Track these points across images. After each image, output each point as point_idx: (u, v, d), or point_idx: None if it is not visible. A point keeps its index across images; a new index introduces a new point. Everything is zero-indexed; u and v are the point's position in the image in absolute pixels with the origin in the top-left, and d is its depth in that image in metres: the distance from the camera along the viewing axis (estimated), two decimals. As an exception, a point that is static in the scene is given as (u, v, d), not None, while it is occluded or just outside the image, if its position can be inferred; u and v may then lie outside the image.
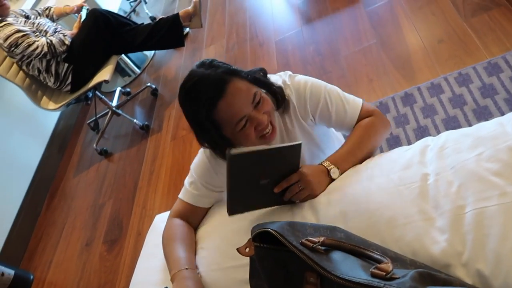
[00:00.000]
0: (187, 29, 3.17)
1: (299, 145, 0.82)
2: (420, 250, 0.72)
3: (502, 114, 1.42)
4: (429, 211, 0.76)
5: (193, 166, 1.08)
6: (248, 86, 0.88)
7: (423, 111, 1.76)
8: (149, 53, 3.39)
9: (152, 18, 3.60)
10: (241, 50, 2.77)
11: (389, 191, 0.82)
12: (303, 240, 0.63)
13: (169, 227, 1.05)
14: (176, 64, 3.10)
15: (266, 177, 0.85)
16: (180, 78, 2.94)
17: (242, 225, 0.92)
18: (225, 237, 0.95)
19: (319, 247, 0.63)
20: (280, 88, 0.98)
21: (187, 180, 1.08)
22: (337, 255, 0.63)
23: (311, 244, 0.62)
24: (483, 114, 1.59)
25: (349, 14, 2.43)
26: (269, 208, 0.93)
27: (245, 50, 2.75)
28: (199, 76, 0.87)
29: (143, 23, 2.66)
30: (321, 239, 0.64)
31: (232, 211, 0.86)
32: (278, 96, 0.97)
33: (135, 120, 2.77)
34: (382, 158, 0.92)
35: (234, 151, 0.76)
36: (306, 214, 0.87)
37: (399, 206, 0.79)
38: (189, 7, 2.58)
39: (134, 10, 4.05)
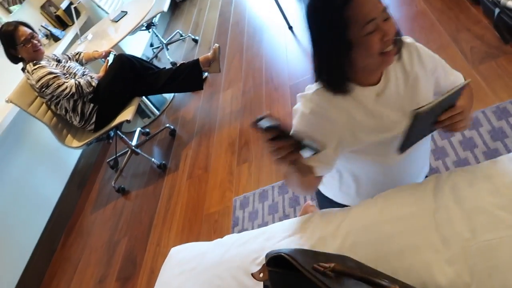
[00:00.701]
0: (206, 74, 3.34)
1: (468, 83, 0.89)
2: (429, 281, 0.75)
3: (512, 156, 1.45)
4: (438, 243, 0.79)
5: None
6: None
7: (434, 153, 1.80)
8: (169, 96, 3.55)
9: (173, 64, 3.81)
10: (257, 94, 2.89)
11: (399, 224, 0.86)
12: (314, 265, 0.66)
13: None
14: (194, 106, 3.23)
15: (435, 116, 0.90)
16: (198, 119, 3.06)
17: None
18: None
19: (330, 272, 0.66)
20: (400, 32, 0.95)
21: None
22: (347, 281, 0.66)
23: (322, 269, 0.65)
24: (493, 157, 1.61)
25: (361, 60, 2.54)
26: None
27: (260, 93, 2.87)
28: None
29: (165, 68, 2.82)
30: (332, 265, 0.67)
31: (402, 150, 0.92)
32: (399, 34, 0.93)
33: (153, 159, 2.86)
34: (391, 193, 0.96)
35: (420, 109, 0.81)
36: (316, 245, 0.90)
37: (409, 238, 0.82)
38: (209, 53, 2.74)
39: (156, 56, 4.29)
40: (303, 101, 1.00)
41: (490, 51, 2.04)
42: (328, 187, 1.24)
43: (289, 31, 3.30)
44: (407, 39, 1.01)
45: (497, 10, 1.93)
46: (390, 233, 0.84)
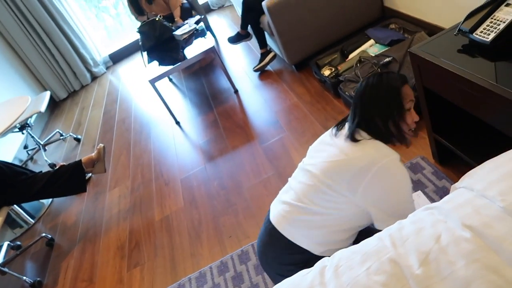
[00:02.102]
0: (90, 174, 3.13)
1: None
2: None
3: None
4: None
5: (404, 188, 1.25)
6: None
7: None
8: (46, 201, 3.20)
9: (52, 165, 3.51)
10: (147, 190, 2.78)
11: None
12: None
13: None
14: (77, 209, 2.95)
15: None
16: (82, 224, 2.77)
17: None
18: None
19: None
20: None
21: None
22: None
23: None
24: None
25: (247, 150, 2.68)
26: None
27: (150, 189, 2.77)
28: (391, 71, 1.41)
29: (41, 171, 2.58)
30: None
31: None
32: None
33: (24, 278, 2.44)
34: (285, 284, 0.95)
35: None
36: None
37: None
38: (93, 154, 2.60)
39: (31, 158, 3.93)
40: (394, 159, 1.23)
41: (355, 136, 2.34)
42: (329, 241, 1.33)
43: (177, 126, 3.36)
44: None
45: (354, 102, 2.28)
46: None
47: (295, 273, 1.29)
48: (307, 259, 1.29)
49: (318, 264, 0.99)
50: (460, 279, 0.74)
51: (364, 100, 1.29)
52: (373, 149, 1.22)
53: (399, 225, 0.94)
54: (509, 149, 0.95)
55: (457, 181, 1.01)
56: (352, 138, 1.25)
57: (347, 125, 1.32)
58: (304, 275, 0.96)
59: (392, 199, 1.24)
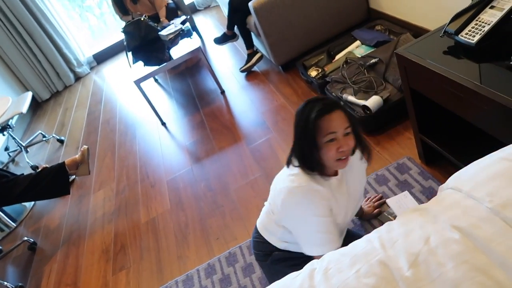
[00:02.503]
0: (74, 176, 3.07)
1: None
2: None
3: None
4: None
5: (309, 213, 1.21)
6: (347, 120, 1.18)
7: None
8: (29, 204, 3.12)
9: (34, 167, 3.43)
10: (132, 192, 2.74)
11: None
12: None
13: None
14: (60, 212, 2.89)
15: None
16: (65, 227, 2.72)
17: None
18: None
19: None
20: (366, 145, 1.30)
21: (316, 237, 1.24)
22: None
23: None
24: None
25: (234, 151, 2.66)
26: None
27: (136, 192, 2.73)
28: (323, 97, 1.22)
29: (23, 174, 2.51)
30: None
31: None
32: (362, 145, 1.28)
33: (5, 283, 2.38)
34: (274, 286, 0.94)
35: None
36: None
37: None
38: (76, 155, 2.55)
39: (13, 160, 3.83)
40: (303, 188, 1.20)
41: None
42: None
43: (163, 127, 3.33)
44: None
45: (341, 103, 2.28)
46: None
47: (262, 258, 1.50)
48: (271, 250, 1.46)
49: (307, 266, 0.98)
50: (449, 281, 0.74)
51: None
52: (290, 176, 1.25)
53: (388, 226, 0.94)
54: (495, 150, 0.96)
55: (443, 182, 1.01)
56: (287, 162, 1.31)
57: None
58: (293, 278, 0.96)
59: (298, 227, 1.28)
